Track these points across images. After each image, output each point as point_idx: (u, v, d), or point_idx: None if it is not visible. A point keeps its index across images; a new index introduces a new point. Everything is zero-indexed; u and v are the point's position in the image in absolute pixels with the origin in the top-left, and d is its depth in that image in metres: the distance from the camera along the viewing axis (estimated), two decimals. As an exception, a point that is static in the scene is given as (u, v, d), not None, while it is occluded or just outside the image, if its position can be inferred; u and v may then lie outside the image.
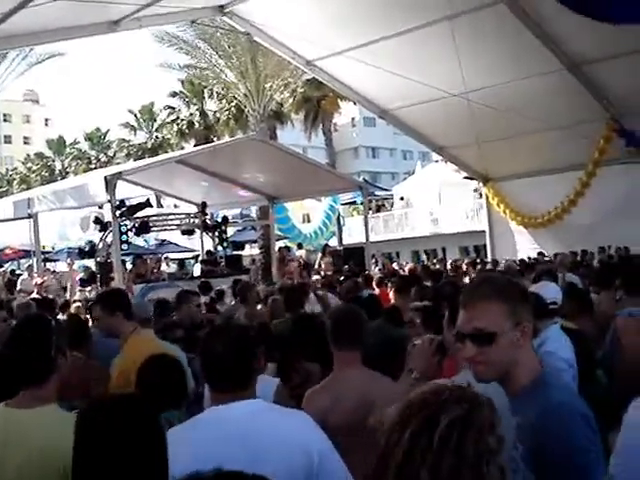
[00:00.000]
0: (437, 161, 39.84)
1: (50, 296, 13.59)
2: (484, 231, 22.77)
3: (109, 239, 16.20)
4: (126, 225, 16.18)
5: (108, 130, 71.46)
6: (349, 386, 3.82)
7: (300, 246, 25.34)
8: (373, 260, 22.88)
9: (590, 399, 2.45)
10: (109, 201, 14.52)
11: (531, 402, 2.26)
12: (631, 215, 16.91)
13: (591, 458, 2.19)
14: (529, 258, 17.30)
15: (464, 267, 16.58)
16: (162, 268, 21.12)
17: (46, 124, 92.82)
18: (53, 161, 73.51)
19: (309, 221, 30.18)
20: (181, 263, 22.60)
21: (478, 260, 18.52)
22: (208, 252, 19.70)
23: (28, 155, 75.89)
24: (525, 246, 19.86)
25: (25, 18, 10.41)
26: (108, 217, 16.03)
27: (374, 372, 3.96)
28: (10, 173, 74.18)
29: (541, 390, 2.30)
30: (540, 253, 18.04)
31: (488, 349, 2.25)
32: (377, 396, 3.58)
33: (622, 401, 2.60)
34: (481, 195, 24.04)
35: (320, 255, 21.28)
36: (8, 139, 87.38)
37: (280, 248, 23.66)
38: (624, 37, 12.19)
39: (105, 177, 14.34)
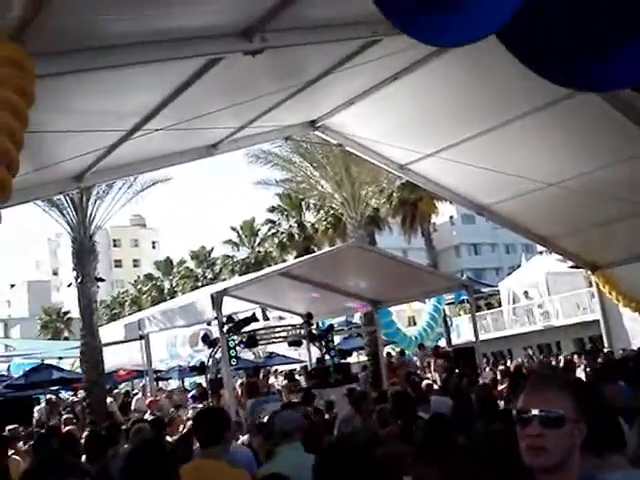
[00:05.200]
0: (541, 252, 39.06)
1: (160, 415, 13.79)
2: (598, 320, 21.89)
3: (218, 355, 16.40)
4: (234, 340, 16.38)
5: (212, 248, 73.68)
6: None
7: (403, 352, 25.07)
8: (485, 360, 22.29)
9: None
10: (216, 318, 14.77)
11: None
12: None
13: None
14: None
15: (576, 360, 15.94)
16: (271, 381, 21.16)
17: (153, 246, 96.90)
18: (162, 281, 76.03)
19: (415, 324, 29.82)
20: (290, 375, 22.59)
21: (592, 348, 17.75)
22: (318, 360, 19.63)
23: (138, 277, 78.86)
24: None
25: (128, 149, 11.00)
26: (216, 333, 16.30)
27: None
28: (122, 295, 77.03)
29: None
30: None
31: (553, 432, 2.24)
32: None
33: None
34: (591, 284, 23.25)
35: (434, 358, 20.89)
36: (118, 263, 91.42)
37: (388, 353, 23.42)
38: None
39: (212, 295, 14.65)
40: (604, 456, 2.79)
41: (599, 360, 13.87)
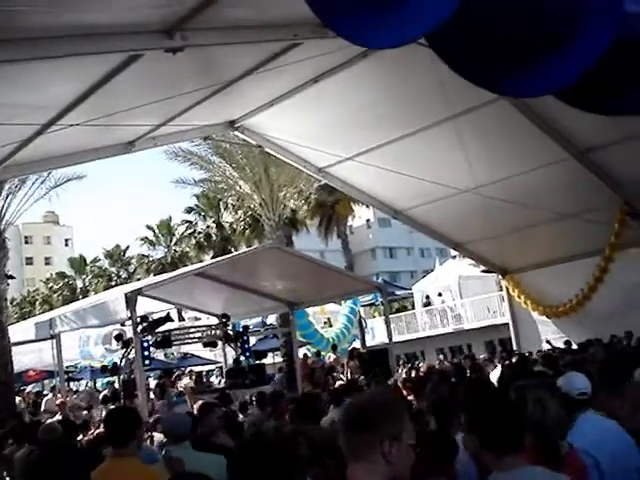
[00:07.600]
0: (455, 257, 39.93)
1: (71, 417, 13.49)
2: (508, 323, 22.49)
3: (131, 355, 16.16)
4: (148, 341, 16.17)
5: (128, 247, 72.32)
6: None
7: (318, 353, 25.20)
8: (400, 361, 22.64)
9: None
10: (130, 318, 14.56)
11: None
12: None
13: None
14: (554, 349, 17.10)
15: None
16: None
17: (66, 244, 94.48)
18: (74, 280, 74.21)
19: (331, 325, 30.03)
20: (199, 376, 22.23)
21: (504, 354, 18.30)
22: (235, 361, 19.50)
23: (50, 275, 76.76)
24: (550, 336, 19.54)
25: (43, 144, 10.74)
26: (130, 333, 16.06)
27: None
28: (33, 294, 74.84)
29: None
30: (567, 342, 17.79)
31: None
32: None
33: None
34: (502, 288, 23.90)
35: (347, 360, 21.08)
36: (30, 261, 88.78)
37: (305, 354, 23.50)
38: (628, 121, 12.19)
39: (125, 294, 14.43)
40: (502, 456, 2.92)
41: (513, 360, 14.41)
